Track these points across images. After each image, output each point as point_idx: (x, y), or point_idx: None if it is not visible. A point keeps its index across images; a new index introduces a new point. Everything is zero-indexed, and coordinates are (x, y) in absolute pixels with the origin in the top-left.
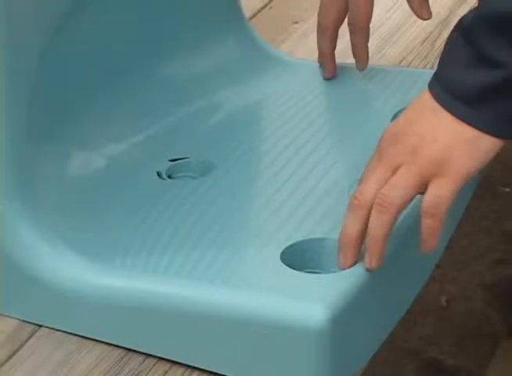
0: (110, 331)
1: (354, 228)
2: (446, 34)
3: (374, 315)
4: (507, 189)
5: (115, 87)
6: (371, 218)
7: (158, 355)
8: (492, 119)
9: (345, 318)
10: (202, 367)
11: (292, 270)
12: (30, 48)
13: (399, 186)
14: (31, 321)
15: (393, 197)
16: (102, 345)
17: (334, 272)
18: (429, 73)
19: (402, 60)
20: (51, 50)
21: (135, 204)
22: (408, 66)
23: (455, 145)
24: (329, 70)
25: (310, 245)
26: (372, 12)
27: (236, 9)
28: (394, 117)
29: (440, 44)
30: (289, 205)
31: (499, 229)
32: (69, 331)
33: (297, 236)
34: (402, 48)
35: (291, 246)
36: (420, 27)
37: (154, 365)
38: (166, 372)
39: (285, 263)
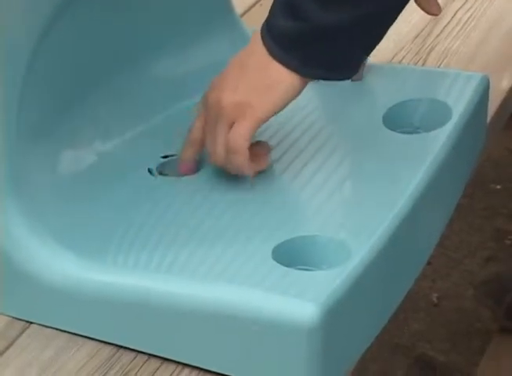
0: (101, 328)
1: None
2: (438, 31)
3: (365, 312)
4: (498, 187)
5: (106, 84)
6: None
7: (149, 352)
8: (298, 60)
9: (336, 315)
10: (193, 364)
11: (283, 267)
12: (20, 48)
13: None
14: (22, 318)
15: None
16: (92, 341)
17: (325, 269)
18: (421, 69)
19: (393, 57)
20: (41, 49)
21: (127, 201)
22: (399, 62)
23: (253, 92)
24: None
25: (301, 242)
26: None
27: (228, 6)
28: (386, 114)
29: (432, 40)
30: (280, 202)
31: (490, 227)
32: (59, 328)
33: (288, 234)
34: (393, 45)
35: (282, 243)
36: (411, 23)
37: (145, 362)
38: (157, 369)
39: (276, 260)
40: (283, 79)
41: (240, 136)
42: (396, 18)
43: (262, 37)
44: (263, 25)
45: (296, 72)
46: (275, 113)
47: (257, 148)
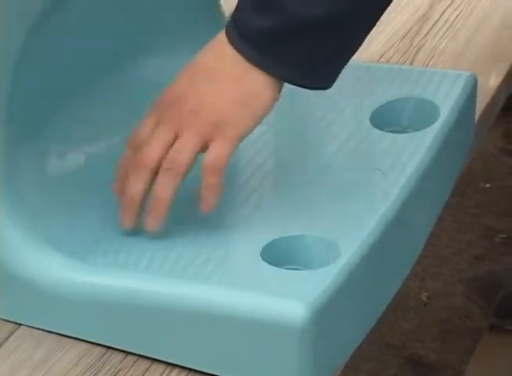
0: (90, 329)
1: (137, 189)
2: (426, 30)
3: (355, 311)
4: (488, 185)
5: (95, 86)
6: (159, 181)
7: (139, 352)
8: (272, 60)
9: (326, 314)
10: (183, 365)
11: (272, 267)
12: (7, 48)
13: (184, 150)
14: (10, 320)
15: (180, 160)
16: (82, 343)
17: (314, 268)
18: (408, 69)
19: (381, 56)
20: (29, 49)
21: (115, 203)
22: (387, 62)
23: (230, 107)
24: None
25: (290, 242)
26: None
27: (216, 8)
28: (373, 113)
29: (419, 40)
30: (268, 202)
31: (480, 225)
32: (48, 330)
33: (277, 233)
34: (381, 44)
35: (271, 243)
36: (399, 22)
37: (134, 363)
38: (146, 370)
39: (265, 260)
40: (260, 89)
41: (221, 158)
42: (379, 17)
43: (230, 37)
44: (228, 25)
45: (270, 73)
46: (255, 127)
47: None
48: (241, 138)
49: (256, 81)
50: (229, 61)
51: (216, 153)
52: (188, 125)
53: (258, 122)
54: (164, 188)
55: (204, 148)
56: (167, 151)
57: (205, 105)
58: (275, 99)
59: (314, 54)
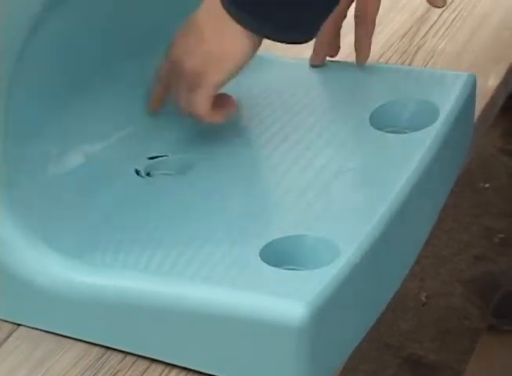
0: (89, 329)
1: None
2: (424, 30)
3: (354, 311)
4: (487, 185)
5: (94, 85)
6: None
7: (138, 353)
8: (247, 15)
9: (325, 314)
10: (181, 365)
11: (271, 267)
12: (7, 48)
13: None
14: (9, 320)
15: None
16: (81, 343)
17: (313, 269)
18: (407, 69)
19: (380, 56)
20: (28, 50)
21: (114, 203)
22: (386, 62)
23: (209, 58)
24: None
25: (289, 242)
26: (380, 4)
27: None
28: (373, 114)
29: (418, 40)
30: (268, 202)
31: (479, 225)
32: (47, 330)
33: (276, 234)
34: (380, 45)
35: (270, 243)
36: (398, 23)
37: (133, 363)
38: (145, 370)
39: (264, 260)
40: (238, 44)
41: (199, 105)
42: None
43: None
44: None
45: (249, 29)
46: (230, 78)
47: (221, 98)
48: (216, 87)
49: (234, 35)
50: (214, 15)
51: (194, 102)
52: (176, 72)
53: (234, 74)
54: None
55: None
56: None
57: (185, 54)
58: (251, 52)
59: (286, 10)
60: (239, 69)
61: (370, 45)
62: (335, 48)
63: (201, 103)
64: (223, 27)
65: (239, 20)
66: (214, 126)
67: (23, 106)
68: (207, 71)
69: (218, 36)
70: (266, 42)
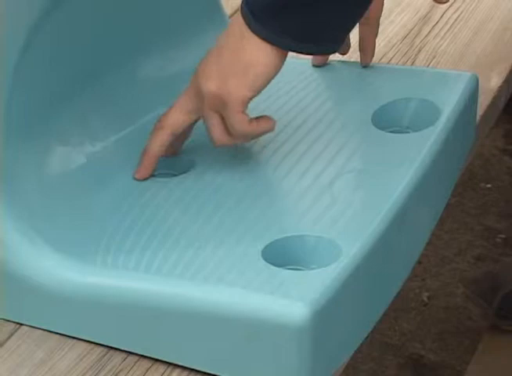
0: (92, 329)
1: (153, 145)
2: (426, 31)
3: (355, 311)
4: (488, 185)
5: (95, 86)
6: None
7: (140, 352)
8: (272, 28)
9: (326, 314)
10: (183, 365)
11: (273, 267)
12: (8, 47)
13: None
14: (11, 320)
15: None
16: (83, 343)
17: (315, 269)
18: (409, 69)
19: (382, 57)
20: (29, 49)
21: (116, 202)
22: (388, 62)
23: (230, 76)
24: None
25: (291, 242)
26: (383, 4)
27: (217, 7)
28: (375, 113)
29: (420, 40)
30: (269, 202)
31: (481, 225)
32: (49, 330)
33: (278, 234)
34: (382, 45)
35: (272, 243)
36: (400, 24)
37: (136, 363)
38: (147, 370)
39: (266, 260)
40: (259, 59)
41: (237, 123)
42: None
43: (241, 10)
44: (242, 3)
45: (270, 42)
46: (257, 92)
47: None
48: (244, 103)
49: (255, 50)
50: (234, 33)
51: (230, 123)
52: (201, 100)
53: (260, 88)
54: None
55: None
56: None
57: (205, 79)
58: (274, 67)
59: (310, 24)
60: (266, 83)
61: (375, 45)
62: (345, 47)
63: (238, 121)
64: (245, 43)
65: (265, 36)
66: None
67: (24, 105)
68: (229, 89)
69: (239, 50)
70: None
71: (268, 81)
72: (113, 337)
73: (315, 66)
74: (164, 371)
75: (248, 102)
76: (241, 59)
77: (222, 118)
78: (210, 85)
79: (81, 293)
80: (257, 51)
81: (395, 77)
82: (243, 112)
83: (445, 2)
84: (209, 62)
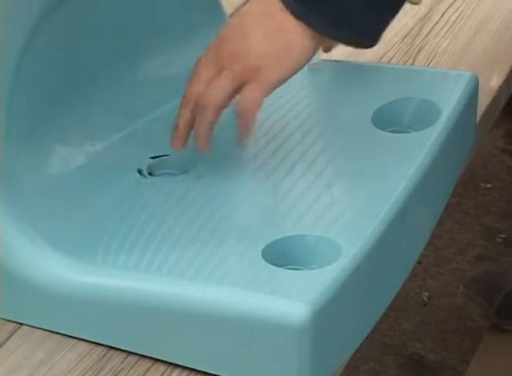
0: (92, 329)
1: (182, 120)
2: (426, 30)
3: (355, 311)
4: (488, 185)
5: (95, 85)
6: (196, 116)
7: (140, 352)
8: (317, 15)
9: (326, 314)
10: (184, 365)
11: (273, 267)
12: (8, 47)
13: (216, 88)
14: (11, 320)
15: (211, 96)
16: (83, 343)
17: (315, 268)
18: (410, 69)
19: (382, 57)
20: (30, 49)
21: (116, 202)
22: (388, 62)
23: (271, 54)
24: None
25: (291, 242)
26: None
27: (217, 6)
28: (375, 113)
29: (420, 40)
30: (270, 202)
31: (481, 225)
32: (50, 330)
33: (278, 233)
34: (382, 45)
35: (272, 243)
36: (400, 23)
37: (136, 363)
38: (148, 370)
39: (266, 260)
40: (300, 42)
41: (254, 100)
42: None
43: None
44: None
45: (314, 28)
46: (289, 77)
47: None
48: (274, 86)
49: (297, 33)
50: (277, 13)
51: (249, 96)
52: (226, 67)
53: (293, 72)
54: (199, 122)
55: (238, 90)
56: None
57: (245, 49)
58: (311, 52)
59: (352, 12)
60: (300, 68)
61: None
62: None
63: (256, 99)
64: (282, 26)
65: (307, 21)
66: (216, 126)
67: (25, 105)
68: (267, 66)
69: (282, 32)
70: None
71: (303, 66)
72: (114, 337)
73: (313, 66)
74: (164, 371)
75: (278, 85)
76: (284, 40)
77: (236, 87)
78: (249, 57)
79: (81, 293)
80: (297, 35)
81: (395, 77)
82: (264, 98)
83: (417, 3)
84: (249, 34)
